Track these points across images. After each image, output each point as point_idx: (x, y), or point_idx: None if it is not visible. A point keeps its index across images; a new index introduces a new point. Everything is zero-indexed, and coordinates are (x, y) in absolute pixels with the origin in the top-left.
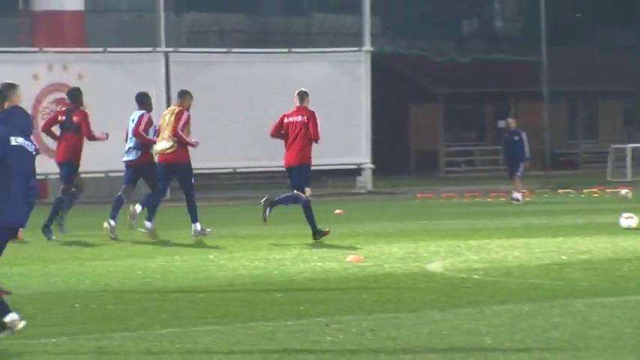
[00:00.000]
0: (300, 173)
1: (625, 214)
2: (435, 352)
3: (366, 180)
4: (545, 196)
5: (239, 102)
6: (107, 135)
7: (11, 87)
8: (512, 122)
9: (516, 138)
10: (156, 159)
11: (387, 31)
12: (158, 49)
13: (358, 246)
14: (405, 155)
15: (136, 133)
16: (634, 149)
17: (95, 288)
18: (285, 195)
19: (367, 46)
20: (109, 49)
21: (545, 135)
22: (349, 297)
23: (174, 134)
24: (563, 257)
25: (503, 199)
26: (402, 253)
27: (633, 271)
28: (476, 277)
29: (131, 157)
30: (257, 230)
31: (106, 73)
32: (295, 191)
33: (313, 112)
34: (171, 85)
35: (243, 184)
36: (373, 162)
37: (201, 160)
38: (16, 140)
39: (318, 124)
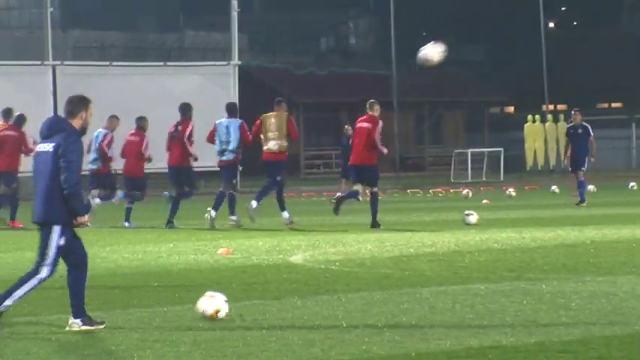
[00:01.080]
0: (369, 171)
1: (467, 212)
2: (297, 334)
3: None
4: (396, 195)
5: (120, 110)
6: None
7: None
8: (348, 128)
9: (351, 142)
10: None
11: (253, 46)
12: (46, 62)
13: (228, 240)
14: None
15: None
16: (474, 153)
17: None
18: (349, 191)
19: (235, 60)
20: (1, 62)
21: (395, 141)
22: (220, 286)
23: (294, 136)
24: (411, 250)
25: (360, 199)
26: (268, 247)
27: (473, 262)
28: (333, 267)
29: (226, 158)
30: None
31: (1, 84)
32: (362, 186)
33: (377, 120)
34: (57, 95)
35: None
36: (241, 164)
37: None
38: (39, 146)
39: (379, 130)
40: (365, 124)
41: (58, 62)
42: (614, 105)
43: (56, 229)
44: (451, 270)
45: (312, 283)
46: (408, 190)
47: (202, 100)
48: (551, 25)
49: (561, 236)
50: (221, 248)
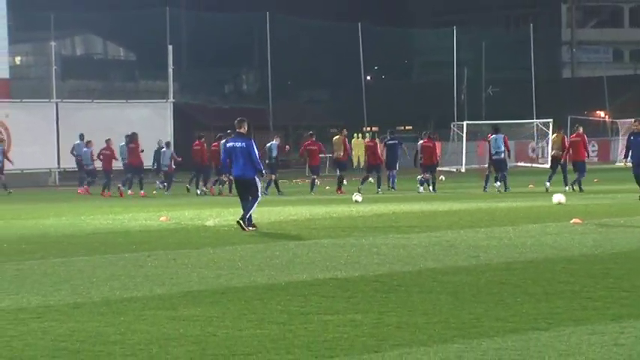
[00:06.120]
0: (582, 166)
1: (356, 195)
2: (210, 271)
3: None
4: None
5: (99, 131)
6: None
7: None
8: (160, 140)
9: (163, 149)
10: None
11: (182, 90)
12: (52, 100)
13: (166, 212)
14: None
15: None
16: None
17: None
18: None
19: (171, 99)
20: (24, 100)
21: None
22: (162, 241)
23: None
24: (282, 218)
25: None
26: (191, 216)
27: (321, 226)
28: (232, 229)
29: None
30: (106, 200)
31: (23, 114)
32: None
33: (584, 136)
34: (59, 121)
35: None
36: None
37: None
38: None
39: (587, 142)
40: (578, 139)
41: (60, 100)
42: (407, 127)
43: None
44: (306, 230)
45: (220, 238)
46: (279, 181)
47: (150, 125)
48: (368, 77)
49: (374, 209)
50: (162, 217)
